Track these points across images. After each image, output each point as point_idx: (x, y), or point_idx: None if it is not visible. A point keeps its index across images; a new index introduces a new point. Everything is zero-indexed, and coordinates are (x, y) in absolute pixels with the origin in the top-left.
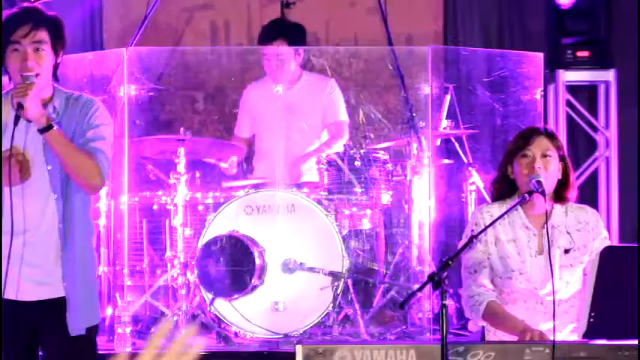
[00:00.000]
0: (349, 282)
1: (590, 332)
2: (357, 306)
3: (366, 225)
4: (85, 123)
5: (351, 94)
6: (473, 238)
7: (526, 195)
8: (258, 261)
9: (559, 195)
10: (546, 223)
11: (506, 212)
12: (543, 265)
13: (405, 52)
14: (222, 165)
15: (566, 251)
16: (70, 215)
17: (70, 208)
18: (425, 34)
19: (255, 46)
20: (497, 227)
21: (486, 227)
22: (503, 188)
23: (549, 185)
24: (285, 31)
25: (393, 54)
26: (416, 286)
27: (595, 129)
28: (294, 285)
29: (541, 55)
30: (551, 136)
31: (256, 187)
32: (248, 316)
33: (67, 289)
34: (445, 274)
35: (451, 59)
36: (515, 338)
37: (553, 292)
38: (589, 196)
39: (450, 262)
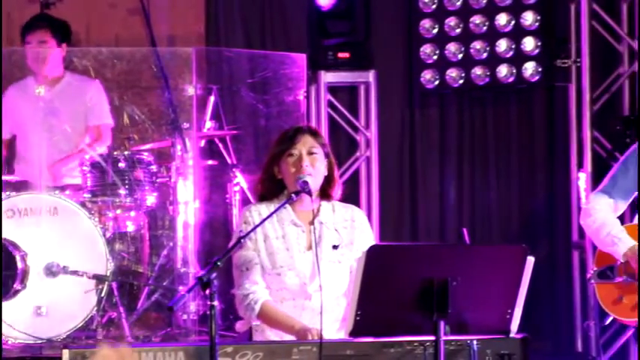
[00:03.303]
0: (114, 285)
1: (356, 330)
2: (121, 309)
3: (130, 227)
4: None
5: (115, 95)
6: (241, 239)
7: (293, 195)
8: (19, 265)
9: (324, 192)
10: (313, 224)
11: (273, 212)
12: (312, 261)
13: (169, 54)
14: None
15: (335, 247)
16: None
17: None
18: (187, 35)
19: (15, 48)
20: (265, 225)
21: (254, 228)
22: (270, 188)
23: (316, 182)
24: (50, 21)
25: (156, 55)
26: (181, 288)
27: (356, 129)
28: (58, 289)
29: (304, 56)
30: (315, 134)
31: (17, 189)
32: (10, 321)
33: None
34: (214, 275)
35: (214, 60)
36: (286, 336)
37: (320, 288)
38: (351, 195)
39: (218, 263)
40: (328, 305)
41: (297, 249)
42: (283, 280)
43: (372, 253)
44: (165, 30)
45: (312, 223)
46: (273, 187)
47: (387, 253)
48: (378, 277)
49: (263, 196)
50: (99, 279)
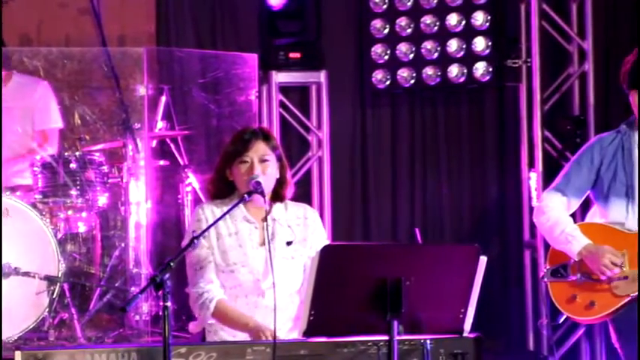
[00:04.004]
0: (65, 286)
1: (310, 330)
2: (73, 310)
3: (82, 228)
4: None
5: (65, 95)
6: (194, 239)
7: (246, 196)
8: None
9: (277, 194)
10: (266, 221)
11: (226, 212)
12: (265, 257)
13: (120, 54)
14: None
15: (288, 243)
16: None
17: None
18: (137, 35)
19: None
20: (219, 223)
21: (207, 228)
22: (221, 189)
23: (268, 187)
24: None
25: (107, 55)
26: (133, 289)
27: (307, 129)
28: (9, 290)
29: (255, 56)
30: (268, 138)
31: None
32: None
33: None
34: (167, 275)
35: (166, 60)
36: (239, 336)
37: (274, 285)
38: (303, 195)
39: (171, 264)
40: (282, 303)
41: (250, 245)
42: (237, 277)
43: (326, 253)
44: (116, 30)
45: (264, 219)
46: (224, 188)
47: (340, 252)
48: (332, 277)
49: (215, 196)
50: (50, 280)
